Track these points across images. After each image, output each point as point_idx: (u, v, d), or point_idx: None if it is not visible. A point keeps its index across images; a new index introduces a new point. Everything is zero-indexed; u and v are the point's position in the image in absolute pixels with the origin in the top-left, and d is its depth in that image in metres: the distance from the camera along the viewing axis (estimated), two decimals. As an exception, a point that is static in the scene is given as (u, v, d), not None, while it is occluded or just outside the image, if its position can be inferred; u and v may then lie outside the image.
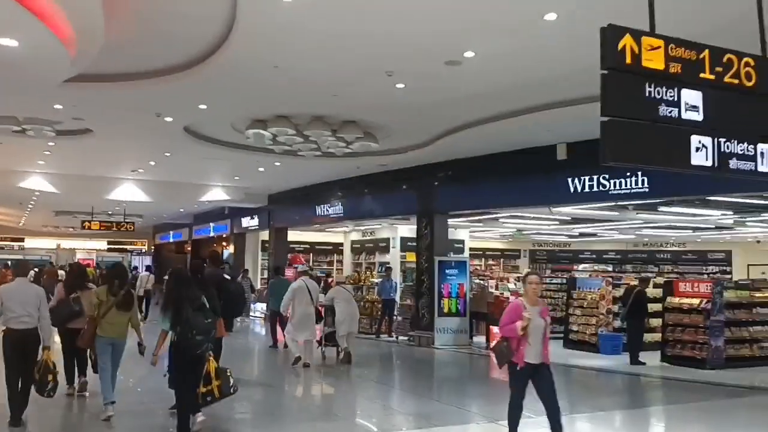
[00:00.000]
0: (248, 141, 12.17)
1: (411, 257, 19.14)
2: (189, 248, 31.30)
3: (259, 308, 20.85)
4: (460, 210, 15.17)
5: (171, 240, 34.27)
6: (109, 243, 40.30)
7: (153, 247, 39.44)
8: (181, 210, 24.48)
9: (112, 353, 7.18)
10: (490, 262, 29.20)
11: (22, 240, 37.67)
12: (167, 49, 7.92)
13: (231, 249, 25.06)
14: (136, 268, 25.37)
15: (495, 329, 13.61)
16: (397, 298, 16.32)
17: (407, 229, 19.98)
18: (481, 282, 16.07)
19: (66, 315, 7.89)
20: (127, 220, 22.86)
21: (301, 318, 10.85)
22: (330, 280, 19.75)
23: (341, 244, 25.24)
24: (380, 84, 8.76)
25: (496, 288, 16.04)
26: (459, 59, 7.71)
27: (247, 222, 23.05)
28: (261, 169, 15.93)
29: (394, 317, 16.04)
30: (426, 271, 14.74)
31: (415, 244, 15.79)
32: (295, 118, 11.06)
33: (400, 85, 8.79)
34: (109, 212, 22.71)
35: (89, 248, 42.42)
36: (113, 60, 8.02)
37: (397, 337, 15.39)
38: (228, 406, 8.04)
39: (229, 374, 6.52)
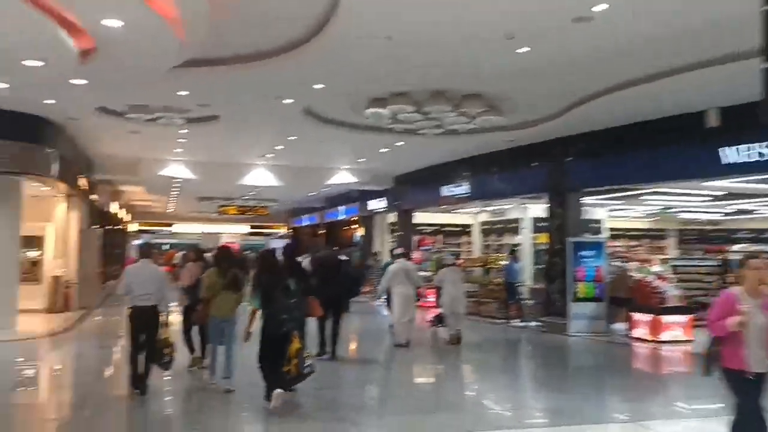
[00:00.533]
0: (368, 121, 11.90)
1: (543, 239, 18.18)
2: (322, 231, 32.00)
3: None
4: (594, 187, 14.01)
5: (305, 223, 35.26)
6: (251, 227, 42.35)
7: (290, 230, 40.88)
8: (312, 194, 24.95)
9: (223, 331, 7.52)
10: (632, 243, 27.18)
11: (171, 225, 40.36)
12: (274, 29, 7.72)
13: (361, 232, 25.21)
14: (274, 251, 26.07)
15: (637, 315, 12.52)
16: (527, 281, 15.48)
17: (539, 209, 18.95)
18: (621, 264, 14.82)
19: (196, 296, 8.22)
20: (261, 205, 23.66)
21: (400, 300, 11.00)
22: (460, 262, 19.32)
23: (470, 226, 24.57)
24: (502, 49, 8.06)
25: (638, 271, 14.68)
26: (589, 14, 6.84)
27: (374, 204, 23.03)
28: (384, 149, 15.67)
29: (524, 301, 15.23)
30: (558, 253, 13.80)
31: (547, 224, 14.85)
32: (414, 94, 10.60)
33: (523, 49, 8.03)
34: (245, 197, 23.60)
35: (233, 232, 44.87)
36: (224, 43, 7.98)
37: (528, 323, 14.59)
38: (338, 387, 7.87)
39: (306, 355, 6.67)
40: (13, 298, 12.64)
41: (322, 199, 28.82)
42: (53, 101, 10.86)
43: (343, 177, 19.44)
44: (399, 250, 12.83)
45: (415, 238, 21.76)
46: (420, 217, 22.00)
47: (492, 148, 15.24)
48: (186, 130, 13.35)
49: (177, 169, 17.89)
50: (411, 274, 11.30)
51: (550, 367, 10.58)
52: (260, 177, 18.75)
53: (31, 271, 16.29)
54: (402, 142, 14.61)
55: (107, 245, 23.49)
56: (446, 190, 17.84)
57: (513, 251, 16.29)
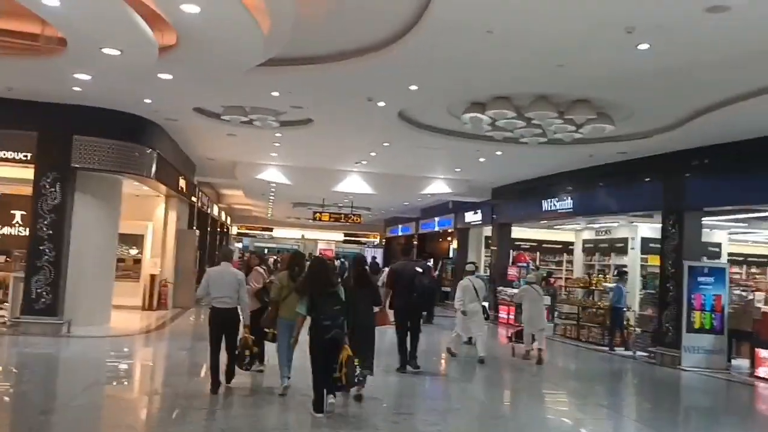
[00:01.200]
0: (466, 127, 11.23)
1: (653, 260, 16.75)
2: (416, 241, 31.42)
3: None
4: (717, 206, 12.62)
5: (400, 233, 34.88)
6: (345, 235, 42.54)
7: (384, 240, 40.67)
8: (406, 203, 24.46)
9: (290, 333, 7.36)
10: (753, 270, 24.80)
11: (271, 230, 41.21)
12: (365, 25, 7.27)
13: (454, 245, 24.45)
14: (373, 258, 25.84)
15: (763, 352, 11.06)
16: (634, 306, 14.22)
17: (649, 228, 17.53)
18: (744, 294, 13.27)
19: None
20: (354, 212, 23.41)
21: (471, 315, 11.16)
22: (552, 281, 18.23)
23: (571, 243, 23.25)
24: (618, 46, 7.17)
25: (766, 302, 13.08)
26: (725, 3, 5.88)
27: (470, 217, 22.24)
28: (482, 159, 14.91)
29: (631, 329, 13.99)
30: (672, 278, 12.49)
31: (659, 245, 13.53)
32: (516, 98, 9.84)
33: (643, 46, 7.10)
34: (339, 204, 23.45)
35: (329, 239, 45.32)
36: (313, 41, 7.61)
37: (634, 352, 13.32)
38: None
39: (356, 364, 6.65)
40: (108, 295, 12.88)
41: (417, 210, 28.33)
42: (150, 101, 10.94)
43: (439, 187, 18.80)
44: (470, 266, 12.82)
45: (512, 253, 20.76)
46: (518, 232, 21.00)
47: (600, 160, 14.12)
48: (280, 134, 13.21)
49: (272, 174, 17.91)
50: (480, 291, 11.52)
51: (659, 404, 9.40)
52: (354, 184, 18.45)
53: (131, 269, 16.78)
54: (501, 152, 13.81)
55: (207, 247, 24.07)
56: (548, 205, 16.81)
57: (621, 273, 15.02)
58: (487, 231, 22.51)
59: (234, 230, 40.50)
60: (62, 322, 11.39)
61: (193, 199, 18.93)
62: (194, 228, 19.83)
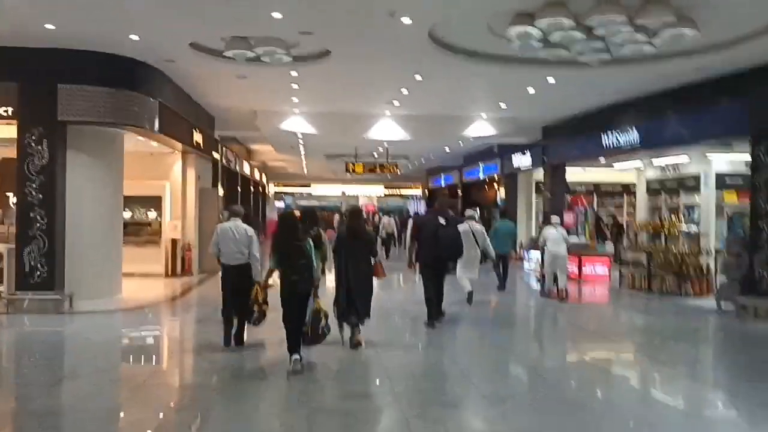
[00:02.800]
0: (511, 47, 9.28)
1: (729, 197, 14.65)
2: (460, 191, 29.58)
3: (535, 257, 18.11)
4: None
5: (443, 183, 33.04)
6: (386, 188, 40.95)
7: (427, 191, 38.91)
8: (447, 149, 22.55)
9: None
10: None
11: (309, 186, 39.90)
12: None
13: (502, 192, 22.53)
14: (416, 213, 24.17)
15: None
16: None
17: (725, 161, 15.29)
18: None
19: None
20: (391, 162, 21.65)
21: (466, 259, 10.59)
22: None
23: (633, 184, 21.08)
24: None
25: None
26: None
27: (518, 160, 20.26)
28: (531, 90, 12.92)
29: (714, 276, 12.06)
30: (766, 216, 10.48)
31: (736, 181, 11.45)
32: (574, 2, 7.89)
33: None
34: (374, 154, 21.72)
35: (370, 194, 43.85)
36: None
37: (719, 304, 11.37)
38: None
39: (321, 316, 6.85)
40: (117, 263, 11.60)
41: (460, 157, 26.40)
42: (136, 37, 9.34)
43: (482, 128, 16.83)
44: (469, 212, 12.31)
45: (567, 197, 18.79)
46: (571, 175, 18.95)
47: (671, 82, 12.00)
48: (296, 73, 11.51)
49: (297, 123, 16.27)
50: (479, 236, 11.07)
51: (753, 365, 7.51)
52: (387, 130, 16.65)
53: (152, 233, 15.55)
54: (553, 79, 11.82)
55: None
56: (609, 140, 14.71)
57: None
58: (538, 175, 20.55)
59: (271, 189, 39.29)
60: (61, 297, 10.13)
61: (215, 155, 17.47)
62: (218, 187, 18.49)
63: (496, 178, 24.10)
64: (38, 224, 9.97)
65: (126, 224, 15.33)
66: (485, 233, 11.36)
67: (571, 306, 11.77)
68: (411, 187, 40.18)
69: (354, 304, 7.65)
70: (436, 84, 12.43)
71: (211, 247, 7.65)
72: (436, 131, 17.12)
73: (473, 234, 10.95)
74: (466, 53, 10.41)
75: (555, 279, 12.18)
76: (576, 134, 16.15)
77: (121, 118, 10.52)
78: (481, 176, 24.78)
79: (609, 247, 16.24)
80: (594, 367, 7.55)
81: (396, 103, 14.66)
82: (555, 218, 12.96)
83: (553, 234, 12.22)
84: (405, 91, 13.24)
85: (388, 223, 23.03)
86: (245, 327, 7.50)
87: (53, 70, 9.99)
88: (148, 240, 15.40)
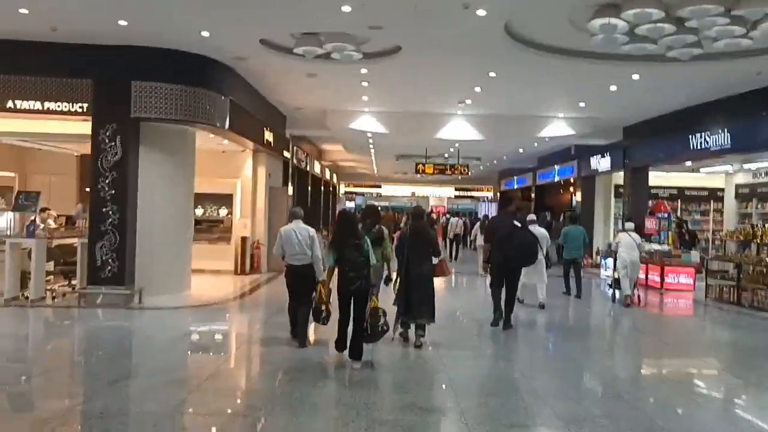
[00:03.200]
0: (594, 41, 8.72)
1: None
2: (533, 194, 28.67)
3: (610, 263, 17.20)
4: None
5: (515, 186, 32.14)
6: (456, 189, 40.31)
7: (499, 194, 38.04)
8: (521, 150, 21.83)
9: None
10: None
11: (379, 187, 39.75)
12: None
13: (578, 196, 21.62)
14: (486, 216, 23.67)
15: None
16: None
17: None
18: None
19: None
20: (462, 163, 21.13)
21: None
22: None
23: (720, 189, 19.82)
24: None
25: None
26: None
27: (596, 162, 19.36)
28: (613, 88, 12.21)
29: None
30: None
31: None
32: (665, -9, 7.30)
33: None
34: (445, 155, 21.26)
35: (440, 195, 43.31)
36: None
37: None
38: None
39: (380, 314, 6.82)
40: (186, 259, 11.68)
41: (534, 158, 25.56)
42: (207, 33, 9.31)
43: (559, 129, 16.13)
44: (531, 216, 11.91)
45: (650, 202, 17.80)
46: (653, 179, 17.95)
47: (765, 80, 11.07)
48: (366, 69, 11.27)
49: (367, 122, 16.05)
50: (540, 239, 10.58)
51: None
52: (459, 129, 16.19)
53: (223, 231, 15.69)
54: (638, 75, 11.10)
55: (308, 205, 22.85)
56: (697, 141, 13.76)
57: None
58: (618, 178, 19.58)
59: (342, 189, 39.39)
60: (131, 292, 10.25)
61: (286, 154, 17.49)
62: (288, 185, 18.52)
63: (572, 181, 23.19)
64: (110, 219, 10.12)
65: (197, 221, 15.64)
66: (548, 237, 11.35)
67: (652, 317, 11.02)
68: (482, 190, 39.39)
69: (417, 303, 7.67)
70: (511, 82, 11.93)
71: (275, 249, 7.77)
72: (510, 131, 16.53)
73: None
74: (543, 48, 9.89)
75: (634, 285, 12.02)
76: (660, 135, 15.22)
77: (192, 115, 10.54)
78: (556, 179, 23.89)
79: (695, 256, 15.22)
80: (677, 385, 6.90)
81: (468, 101, 14.21)
82: (629, 224, 12.89)
83: (627, 240, 12.14)
84: (478, 89, 12.78)
85: (456, 224, 23.10)
86: (309, 325, 7.63)
87: (126, 68, 10.11)
88: (220, 237, 15.56)
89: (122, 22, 8.84)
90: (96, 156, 10.11)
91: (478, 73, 11.43)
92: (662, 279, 14.64)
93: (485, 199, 40.52)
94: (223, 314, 10.57)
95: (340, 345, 6.96)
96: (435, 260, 7.99)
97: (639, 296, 12.06)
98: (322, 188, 29.45)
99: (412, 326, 7.85)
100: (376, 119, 16.03)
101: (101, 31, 9.37)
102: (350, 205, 39.40)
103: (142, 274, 10.54)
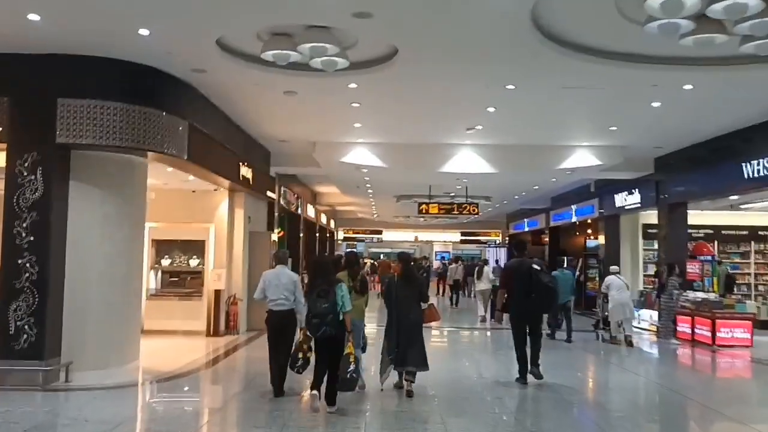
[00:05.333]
0: (647, 30, 6.58)
1: None
2: (546, 238, 26.38)
3: (648, 316, 14.93)
4: None
5: (526, 229, 29.93)
6: (462, 234, 38.18)
7: (507, 238, 35.79)
8: (536, 187, 19.65)
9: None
10: None
11: (380, 232, 37.65)
12: None
13: (600, 238, 19.32)
14: (486, 262, 21.79)
15: None
16: None
17: None
18: None
19: None
20: (470, 201, 18.93)
21: None
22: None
23: (763, 228, 17.62)
24: None
25: None
26: None
27: (622, 200, 17.18)
28: (655, 104, 10.08)
29: None
30: None
31: None
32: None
33: None
34: (450, 193, 19.07)
35: (445, 240, 41.15)
36: None
37: None
38: None
39: (350, 361, 6.65)
40: (134, 323, 9.36)
41: (547, 199, 23.42)
42: (146, 31, 7.21)
43: (581, 158, 13.94)
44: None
45: (689, 244, 15.50)
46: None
47: None
48: (356, 84, 9.17)
49: (361, 155, 13.92)
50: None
51: None
52: (467, 161, 14.00)
53: (193, 285, 13.40)
54: (690, 86, 8.99)
55: (301, 255, 20.61)
56: (752, 170, 11.53)
57: None
58: (646, 217, 17.43)
59: (340, 235, 37.20)
60: (54, 368, 7.91)
61: (270, 194, 15.33)
62: (276, 231, 16.32)
63: (590, 222, 20.96)
64: (27, 273, 7.83)
65: (165, 273, 13.45)
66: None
67: (701, 379, 8.82)
68: (490, 234, 37.20)
69: (406, 350, 7.61)
70: (534, 94, 9.78)
71: (257, 293, 7.68)
72: (526, 163, 14.32)
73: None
74: (578, 48, 7.77)
75: (620, 326, 12.69)
76: (703, 165, 12.99)
77: (137, 141, 8.36)
78: (573, 219, 21.66)
79: (750, 305, 12.98)
80: None
81: (479, 127, 12.06)
82: (615, 267, 13.87)
83: (617, 282, 12.83)
84: (492, 109, 10.63)
85: (456, 270, 22.60)
86: (286, 374, 7.47)
87: (50, 81, 8.01)
88: (191, 292, 13.27)
89: (33, 17, 6.76)
90: (10, 193, 7.91)
91: (493, 85, 9.27)
92: (713, 334, 12.32)
93: (493, 243, 38.29)
94: (178, 391, 8.22)
95: (314, 387, 6.87)
96: (424, 305, 7.95)
97: (629, 336, 12.72)
98: (318, 234, 27.29)
99: (394, 373, 7.84)
100: (371, 152, 13.90)
101: (11, 33, 7.28)
102: (349, 251, 37.24)
103: (71, 343, 8.22)
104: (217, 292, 12.86)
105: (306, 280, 8.13)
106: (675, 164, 14.13)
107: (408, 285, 7.87)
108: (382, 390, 7.76)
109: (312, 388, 6.80)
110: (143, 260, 9.77)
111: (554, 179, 17.16)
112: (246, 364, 10.59)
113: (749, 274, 18.11)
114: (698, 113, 10.70)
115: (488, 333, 15.21)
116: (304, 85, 9.25)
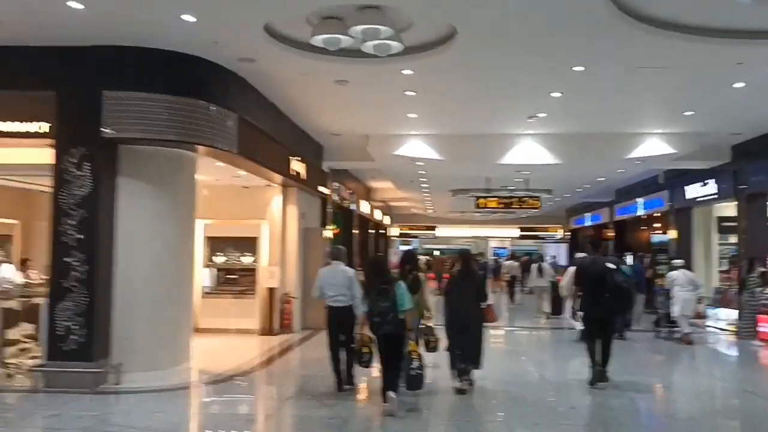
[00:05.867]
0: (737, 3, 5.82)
1: None
2: (610, 232, 25.23)
3: (725, 315, 13.95)
4: None
5: (588, 223, 28.81)
6: (521, 230, 37.16)
7: (568, 233, 34.59)
8: (601, 179, 18.69)
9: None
10: None
11: (434, 228, 37.02)
12: None
13: (671, 233, 18.20)
14: (541, 257, 21.06)
15: None
16: None
17: None
18: None
19: None
20: (531, 195, 18.13)
21: None
22: None
23: None
24: None
25: None
26: None
27: (694, 191, 16.08)
28: (738, 84, 9.18)
29: None
30: None
31: None
32: None
33: None
34: (509, 187, 18.31)
35: (502, 236, 40.16)
36: None
37: None
38: None
39: (412, 357, 6.63)
40: (185, 323, 9.08)
41: (611, 191, 22.33)
42: (192, 18, 6.86)
43: (653, 147, 13.02)
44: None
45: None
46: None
47: None
48: (410, 71, 8.64)
49: (416, 147, 13.38)
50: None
51: None
52: (528, 152, 13.28)
53: (246, 283, 13.14)
54: (783, 62, 8.10)
55: (354, 252, 20.23)
56: None
57: None
58: (720, 210, 16.31)
59: (395, 231, 36.73)
60: (103, 370, 7.69)
61: (323, 189, 14.97)
62: (330, 228, 15.97)
63: (658, 216, 19.83)
64: (75, 272, 7.62)
65: (221, 270, 13.23)
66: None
67: None
68: (549, 229, 36.11)
69: (462, 348, 7.63)
70: (604, 80, 9.04)
71: (314, 290, 7.76)
72: (591, 152, 13.45)
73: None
74: (653, 22, 7.03)
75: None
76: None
77: (186, 134, 8.07)
78: (640, 212, 20.56)
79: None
80: None
81: (542, 115, 11.34)
82: (679, 261, 13.04)
83: (682, 278, 12.19)
84: (557, 95, 9.92)
85: (511, 266, 23.34)
86: (353, 368, 7.59)
87: (95, 74, 7.77)
88: (244, 290, 13.01)
89: (75, 5, 6.49)
90: (58, 190, 7.72)
91: (558, 68, 8.58)
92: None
93: (551, 239, 37.13)
94: (229, 395, 7.88)
95: (385, 387, 6.70)
96: (483, 305, 7.88)
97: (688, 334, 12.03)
98: (372, 231, 26.92)
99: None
100: (426, 144, 13.34)
101: (53, 23, 7.05)
102: (404, 248, 36.70)
103: (121, 344, 7.99)
104: (271, 290, 12.58)
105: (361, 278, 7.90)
106: (756, 152, 13.06)
107: (467, 282, 7.87)
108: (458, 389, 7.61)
109: (383, 392, 6.62)
110: (194, 258, 9.48)
111: (622, 170, 16.21)
112: (301, 365, 10.26)
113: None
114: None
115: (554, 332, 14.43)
116: (356, 73, 8.78)
